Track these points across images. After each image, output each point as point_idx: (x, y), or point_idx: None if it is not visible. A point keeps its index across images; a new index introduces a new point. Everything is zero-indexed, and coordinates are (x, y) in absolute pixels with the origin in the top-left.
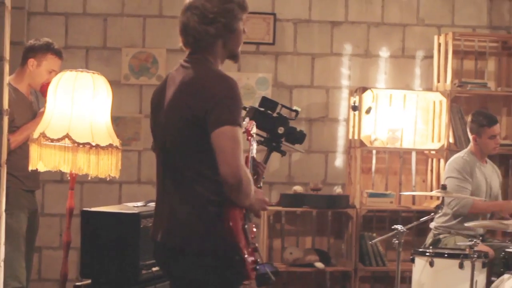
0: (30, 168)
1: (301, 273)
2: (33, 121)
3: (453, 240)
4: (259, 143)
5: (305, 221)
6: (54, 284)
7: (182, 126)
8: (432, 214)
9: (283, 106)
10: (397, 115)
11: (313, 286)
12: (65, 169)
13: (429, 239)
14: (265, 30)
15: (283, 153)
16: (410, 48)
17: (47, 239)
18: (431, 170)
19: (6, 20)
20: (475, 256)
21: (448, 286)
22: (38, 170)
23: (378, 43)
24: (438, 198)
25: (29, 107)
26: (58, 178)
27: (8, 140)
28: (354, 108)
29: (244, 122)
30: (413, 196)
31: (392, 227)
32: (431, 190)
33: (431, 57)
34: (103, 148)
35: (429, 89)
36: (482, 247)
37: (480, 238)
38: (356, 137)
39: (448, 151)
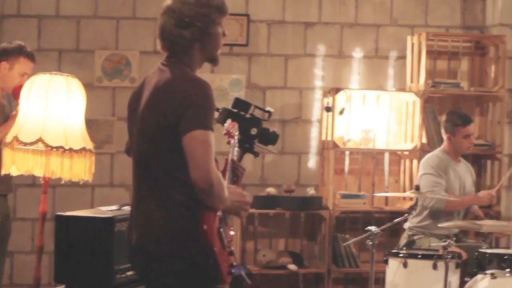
0: (2, 172)
1: (274, 275)
2: (5, 124)
3: (427, 242)
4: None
5: (278, 223)
6: None
7: (155, 130)
8: (406, 215)
9: (256, 107)
10: (370, 115)
11: None
12: (38, 173)
13: (403, 240)
14: (239, 31)
15: (256, 154)
16: (383, 48)
17: (19, 244)
18: (404, 171)
19: None
20: (449, 257)
21: (422, 287)
22: (11, 174)
23: (352, 44)
24: (411, 198)
25: (1, 111)
26: (30, 182)
27: None
28: (328, 109)
29: (225, 124)
30: (386, 197)
31: (366, 228)
32: (404, 191)
33: (405, 57)
34: (76, 151)
35: (402, 89)
36: (454, 248)
37: (454, 238)
38: (329, 138)
39: (421, 151)
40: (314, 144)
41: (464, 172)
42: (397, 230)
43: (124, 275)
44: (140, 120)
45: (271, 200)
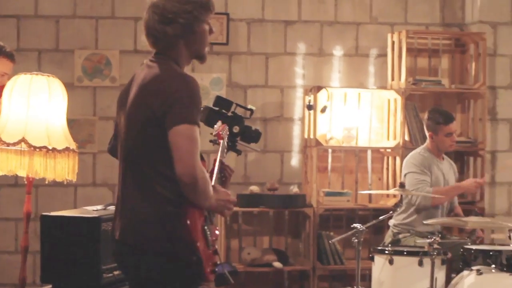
0: None
1: (259, 273)
2: None
3: (413, 241)
4: (213, 143)
5: (262, 221)
6: None
7: (142, 125)
8: (391, 212)
9: (237, 105)
10: (352, 113)
11: (271, 286)
12: (22, 173)
13: (388, 238)
14: (219, 30)
15: (238, 152)
16: (363, 46)
17: (2, 244)
18: (387, 168)
19: None
20: (435, 253)
21: (408, 283)
22: None
23: (332, 42)
24: (395, 196)
25: None
26: (12, 182)
27: None
28: (309, 107)
29: (215, 126)
30: (370, 194)
31: (352, 225)
32: (387, 188)
33: (385, 55)
34: (59, 151)
35: (384, 87)
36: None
37: (439, 235)
38: (311, 136)
39: (404, 148)
40: (296, 142)
41: (448, 169)
42: (381, 227)
43: (111, 275)
44: (127, 115)
45: (254, 198)
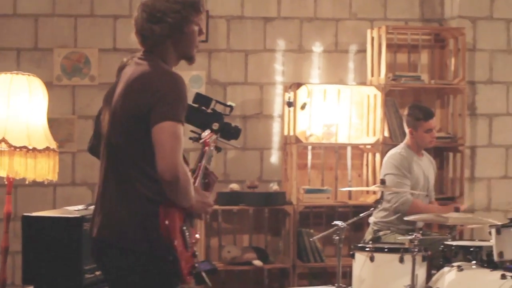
0: None
1: (239, 271)
2: None
3: (393, 238)
4: (193, 140)
5: (242, 219)
6: None
7: (127, 122)
8: (372, 209)
9: (217, 101)
10: (332, 110)
11: (251, 284)
12: (2, 173)
13: (368, 235)
14: None
15: (218, 149)
16: (343, 42)
17: None
18: (367, 165)
19: None
20: (416, 250)
21: (389, 280)
22: None
23: (311, 38)
24: (374, 192)
25: None
26: None
27: None
28: (289, 104)
29: (204, 133)
30: (349, 191)
31: (333, 223)
32: (367, 185)
33: (364, 51)
34: (40, 151)
35: (363, 83)
36: None
37: (420, 232)
38: (291, 133)
39: (384, 145)
40: (276, 139)
41: (428, 166)
42: (361, 225)
43: (93, 275)
44: (113, 111)
45: (234, 196)
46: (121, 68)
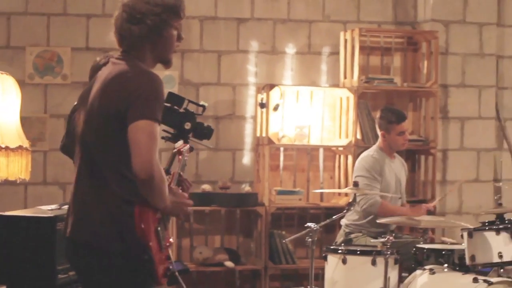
0: None
1: (211, 272)
2: None
3: (364, 241)
4: (165, 139)
5: (214, 220)
6: None
7: (103, 121)
8: (345, 211)
9: (189, 101)
10: (304, 111)
11: (223, 285)
12: None
13: (340, 237)
14: None
15: (191, 149)
16: (316, 44)
17: None
18: (339, 167)
19: None
20: (388, 253)
21: (361, 283)
22: None
23: (284, 40)
24: (346, 194)
25: None
26: None
27: None
28: (262, 105)
29: (179, 142)
30: (321, 193)
31: (305, 225)
32: (339, 187)
33: (337, 53)
34: (13, 150)
35: (336, 85)
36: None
37: (393, 234)
38: (264, 134)
39: (356, 147)
40: (248, 140)
41: (400, 168)
42: (333, 226)
43: (66, 275)
44: (88, 111)
45: (206, 197)
46: (94, 68)
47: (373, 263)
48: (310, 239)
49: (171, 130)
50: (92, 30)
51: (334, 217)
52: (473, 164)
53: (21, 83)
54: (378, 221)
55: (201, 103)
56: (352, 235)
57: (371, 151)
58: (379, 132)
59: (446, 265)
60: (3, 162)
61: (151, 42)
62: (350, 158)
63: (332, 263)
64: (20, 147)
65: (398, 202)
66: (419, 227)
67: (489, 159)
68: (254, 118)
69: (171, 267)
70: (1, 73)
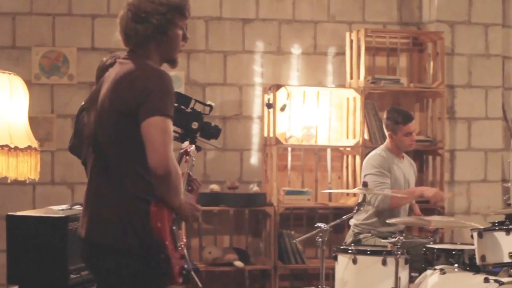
0: None
1: (220, 272)
2: None
3: (373, 241)
4: (173, 139)
5: (223, 220)
6: None
7: (115, 120)
8: (355, 211)
9: (196, 101)
10: (311, 112)
11: (232, 285)
12: None
13: (349, 238)
14: None
15: (198, 149)
16: (321, 45)
17: None
18: (347, 167)
19: None
20: (399, 253)
21: (372, 283)
22: None
23: (290, 40)
24: (354, 194)
25: None
26: None
27: None
28: (269, 105)
29: (185, 143)
30: (330, 193)
31: (316, 225)
32: (347, 187)
33: (343, 53)
34: (22, 150)
35: (342, 85)
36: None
37: (403, 235)
38: (271, 134)
39: (363, 147)
40: (255, 140)
41: (408, 169)
42: (341, 227)
43: (78, 275)
44: (99, 111)
45: (215, 197)
46: (101, 68)
47: (384, 263)
48: (320, 239)
49: (179, 130)
50: (98, 30)
51: (344, 217)
52: (481, 164)
53: (28, 83)
54: (387, 221)
55: (208, 102)
56: (361, 236)
57: (379, 150)
58: (386, 133)
59: (456, 265)
60: (12, 163)
61: (157, 41)
62: (357, 158)
63: (343, 263)
64: (29, 147)
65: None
66: (429, 227)
67: (496, 160)
68: (261, 118)
69: (186, 266)
70: (9, 74)
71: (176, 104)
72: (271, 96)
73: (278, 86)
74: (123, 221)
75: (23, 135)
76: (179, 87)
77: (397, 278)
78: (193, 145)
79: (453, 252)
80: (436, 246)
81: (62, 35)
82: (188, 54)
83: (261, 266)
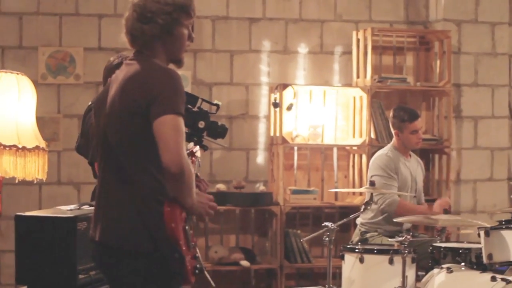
0: None
1: (227, 271)
2: None
3: (380, 240)
4: None
5: (229, 219)
6: None
7: (126, 121)
8: (362, 210)
9: (203, 100)
10: (318, 111)
11: (238, 284)
12: None
13: (355, 237)
14: None
15: (205, 148)
16: (328, 44)
17: None
18: (353, 166)
19: None
20: (406, 251)
21: (379, 282)
22: None
23: (297, 40)
24: (361, 194)
25: None
26: None
27: None
28: (275, 105)
29: (190, 144)
30: (336, 192)
31: (323, 224)
32: (354, 186)
33: (350, 52)
34: (29, 150)
35: (349, 84)
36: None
37: (410, 233)
38: (277, 134)
39: (370, 146)
40: (262, 140)
41: (416, 167)
42: (348, 226)
43: (87, 275)
44: (109, 112)
45: (221, 196)
46: (108, 68)
47: (391, 262)
48: (327, 238)
49: (186, 129)
50: (104, 30)
51: (351, 216)
52: (487, 163)
53: (34, 83)
54: (394, 219)
55: (215, 102)
56: (368, 235)
57: (385, 150)
58: (392, 131)
59: (463, 263)
60: (20, 163)
61: (163, 41)
62: (364, 157)
63: (350, 262)
64: (37, 147)
65: (413, 201)
66: (436, 225)
67: (503, 158)
68: (267, 117)
69: (198, 265)
70: (17, 74)
71: None
72: (277, 95)
73: (284, 86)
74: (137, 223)
75: (31, 135)
76: (186, 87)
77: (404, 277)
78: (198, 146)
79: (460, 251)
80: (443, 245)
81: (69, 35)
82: (194, 54)
83: (267, 266)
